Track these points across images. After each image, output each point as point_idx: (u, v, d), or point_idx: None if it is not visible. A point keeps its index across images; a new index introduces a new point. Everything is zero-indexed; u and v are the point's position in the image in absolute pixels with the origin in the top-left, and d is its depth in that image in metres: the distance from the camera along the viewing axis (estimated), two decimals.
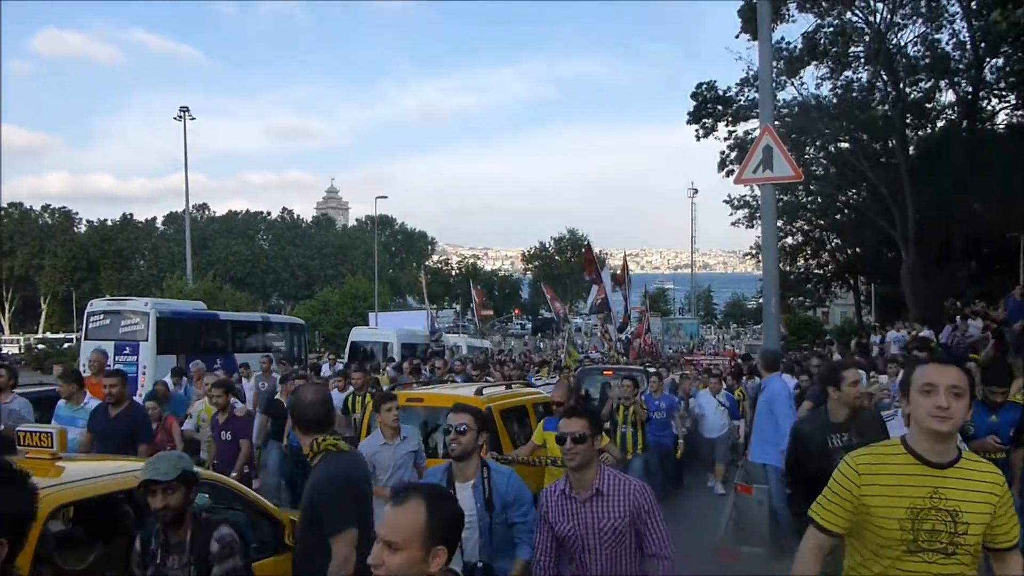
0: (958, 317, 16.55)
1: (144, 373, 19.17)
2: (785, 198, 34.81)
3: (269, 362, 13.14)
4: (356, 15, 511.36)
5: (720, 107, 29.84)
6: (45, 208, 78.74)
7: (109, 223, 77.71)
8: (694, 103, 30.08)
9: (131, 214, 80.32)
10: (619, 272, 28.36)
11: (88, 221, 78.87)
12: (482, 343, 42.34)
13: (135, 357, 19.99)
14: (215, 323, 24.89)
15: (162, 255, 73.81)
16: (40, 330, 69.19)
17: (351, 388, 10.36)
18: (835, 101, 29.06)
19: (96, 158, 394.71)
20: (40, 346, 50.21)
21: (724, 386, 13.31)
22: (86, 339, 21.31)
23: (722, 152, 32.16)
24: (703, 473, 12.19)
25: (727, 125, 30.56)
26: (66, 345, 47.74)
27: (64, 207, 79.43)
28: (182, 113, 45.25)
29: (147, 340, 20.44)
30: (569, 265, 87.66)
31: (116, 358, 19.79)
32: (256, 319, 28.89)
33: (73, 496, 3.81)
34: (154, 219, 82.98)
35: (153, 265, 73.03)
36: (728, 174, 31.92)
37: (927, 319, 22.30)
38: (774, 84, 22.90)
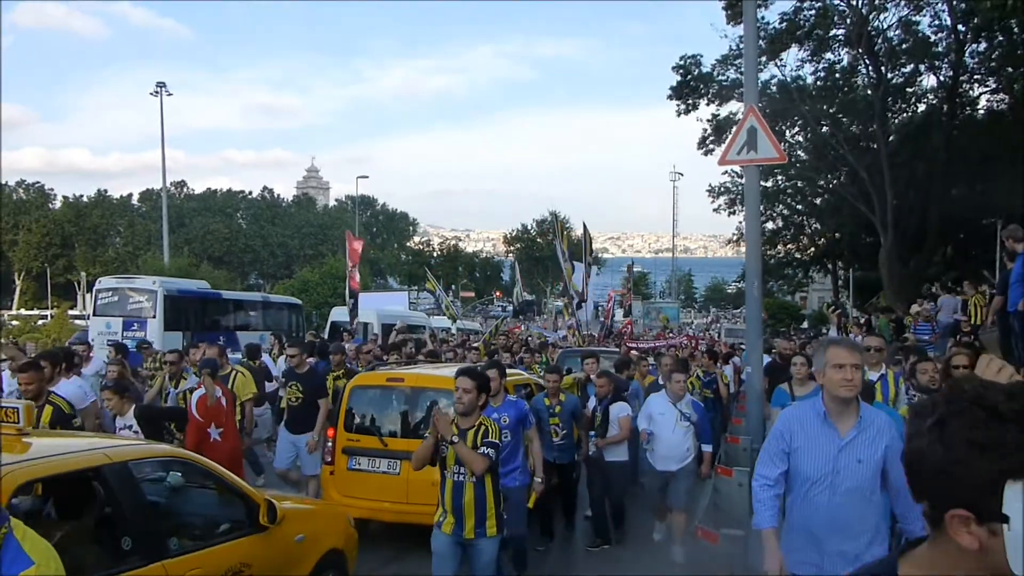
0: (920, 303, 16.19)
1: None
2: (767, 185, 34.89)
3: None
4: None
5: (703, 85, 29.70)
6: (20, 183, 77.53)
7: (84, 199, 76.60)
8: (677, 77, 29.84)
9: (106, 190, 79.23)
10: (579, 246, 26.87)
11: (64, 197, 77.74)
12: (471, 325, 42.56)
13: (143, 333, 20.32)
14: (219, 302, 25.53)
15: (138, 232, 72.93)
16: (14, 306, 68.23)
17: None
18: (816, 83, 29.07)
19: (72, 133, 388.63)
20: (14, 322, 49.47)
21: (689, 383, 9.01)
22: (95, 315, 21.92)
23: (704, 130, 32.07)
24: (649, 521, 7.96)
25: (708, 104, 30.47)
26: (40, 322, 47.06)
27: (38, 182, 78.32)
28: (158, 88, 44.51)
29: (155, 317, 20.97)
30: (551, 247, 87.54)
31: (124, 334, 20.26)
32: (257, 298, 29.65)
33: (40, 472, 3.70)
34: (130, 196, 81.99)
35: (129, 242, 72.13)
36: (707, 153, 31.88)
37: (903, 303, 22.50)
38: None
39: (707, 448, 7.49)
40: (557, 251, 22.40)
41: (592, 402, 8.11)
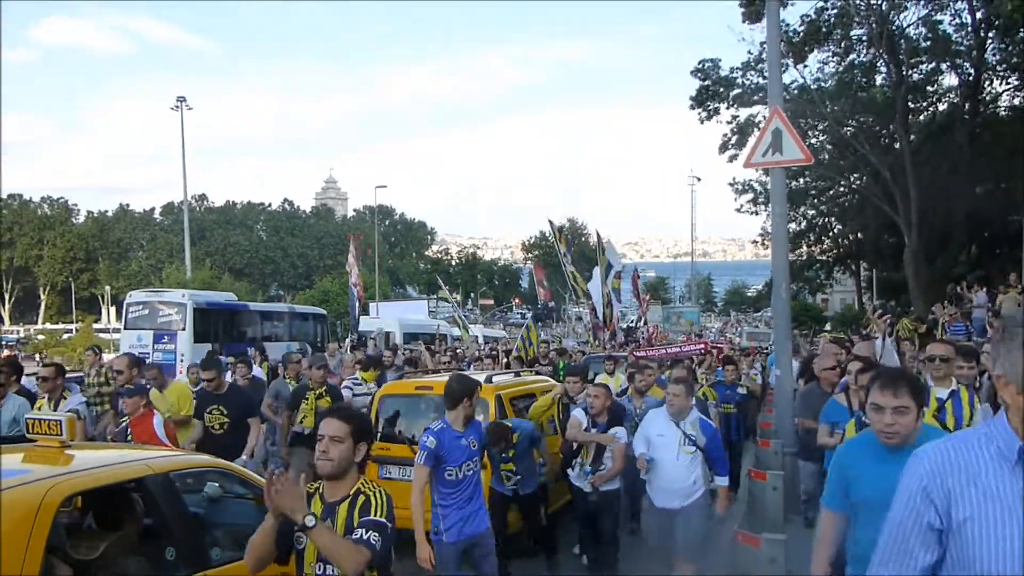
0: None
1: (182, 361, 19.64)
2: (791, 185, 34.72)
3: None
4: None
5: (723, 89, 29.59)
6: (44, 199, 78.75)
7: (108, 214, 77.76)
8: (697, 83, 29.77)
9: (128, 204, 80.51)
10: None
11: (88, 212, 78.91)
12: (498, 332, 43.07)
13: (173, 345, 20.72)
14: (246, 313, 25.94)
15: (160, 245, 73.81)
16: (40, 320, 69.20)
17: None
18: (835, 78, 28.89)
19: (95, 147, 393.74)
20: (40, 337, 50.18)
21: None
22: (125, 328, 22.36)
23: (724, 135, 32.03)
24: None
25: (729, 108, 30.36)
26: (66, 336, 47.69)
27: (62, 198, 79.51)
28: (179, 103, 45.11)
29: (184, 329, 21.25)
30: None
31: (155, 346, 20.68)
32: (283, 309, 30.24)
33: (83, 485, 3.72)
34: (152, 209, 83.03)
35: (151, 255, 73.02)
36: (732, 159, 31.80)
37: (929, 303, 22.25)
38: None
39: (723, 481, 5.72)
40: (559, 256, 22.38)
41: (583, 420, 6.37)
